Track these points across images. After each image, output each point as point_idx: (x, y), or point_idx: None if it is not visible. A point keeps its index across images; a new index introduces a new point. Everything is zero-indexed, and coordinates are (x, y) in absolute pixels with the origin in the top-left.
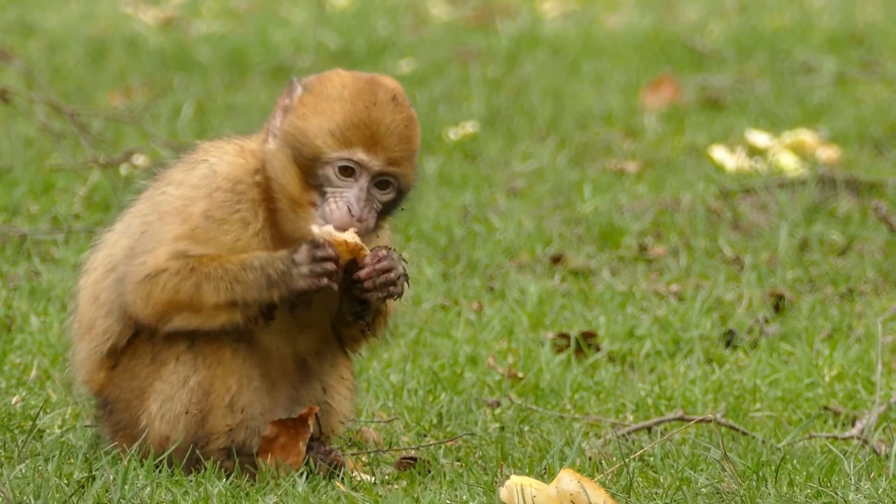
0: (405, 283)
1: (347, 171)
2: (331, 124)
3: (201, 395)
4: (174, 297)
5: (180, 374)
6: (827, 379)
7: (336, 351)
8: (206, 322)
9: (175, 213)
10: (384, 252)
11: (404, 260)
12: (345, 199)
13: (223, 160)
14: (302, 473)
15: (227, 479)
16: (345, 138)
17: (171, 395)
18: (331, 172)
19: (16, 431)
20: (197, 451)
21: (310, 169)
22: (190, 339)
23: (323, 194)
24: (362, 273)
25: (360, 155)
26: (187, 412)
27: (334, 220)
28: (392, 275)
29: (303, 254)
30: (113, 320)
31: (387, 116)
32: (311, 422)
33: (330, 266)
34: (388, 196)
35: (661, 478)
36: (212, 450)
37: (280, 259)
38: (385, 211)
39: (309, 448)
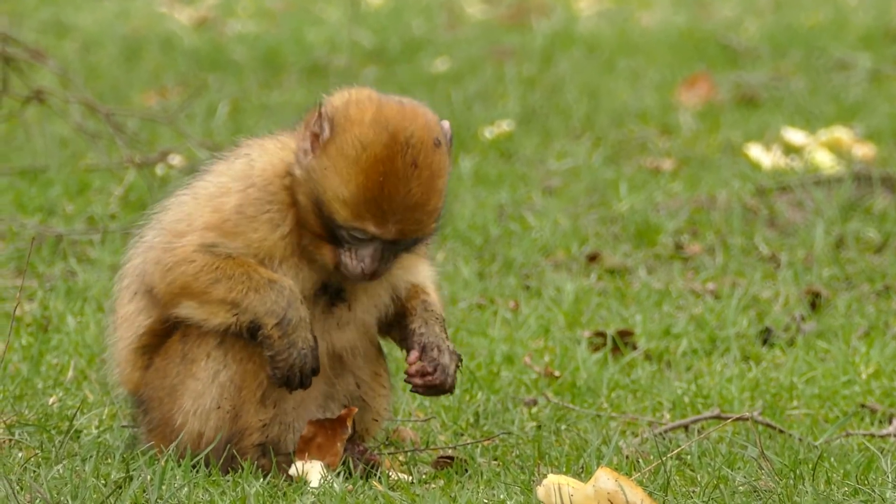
0: (456, 376)
1: (359, 235)
2: (344, 192)
3: (233, 390)
4: (191, 283)
5: (210, 370)
6: (864, 376)
7: (370, 346)
8: (206, 317)
9: (208, 199)
10: (434, 355)
11: (456, 355)
12: (359, 256)
13: (262, 157)
14: (339, 473)
15: (264, 478)
16: (356, 211)
17: (202, 391)
18: (344, 234)
19: (53, 432)
20: (233, 450)
21: (326, 221)
22: (220, 335)
23: (341, 239)
24: (410, 370)
25: (371, 228)
26: (219, 407)
27: (349, 273)
28: (438, 380)
29: (309, 365)
30: (140, 301)
31: (402, 188)
32: (349, 423)
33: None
34: (406, 247)
35: (699, 476)
36: (246, 446)
37: (305, 334)
38: (409, 250)
39: (344, 449)
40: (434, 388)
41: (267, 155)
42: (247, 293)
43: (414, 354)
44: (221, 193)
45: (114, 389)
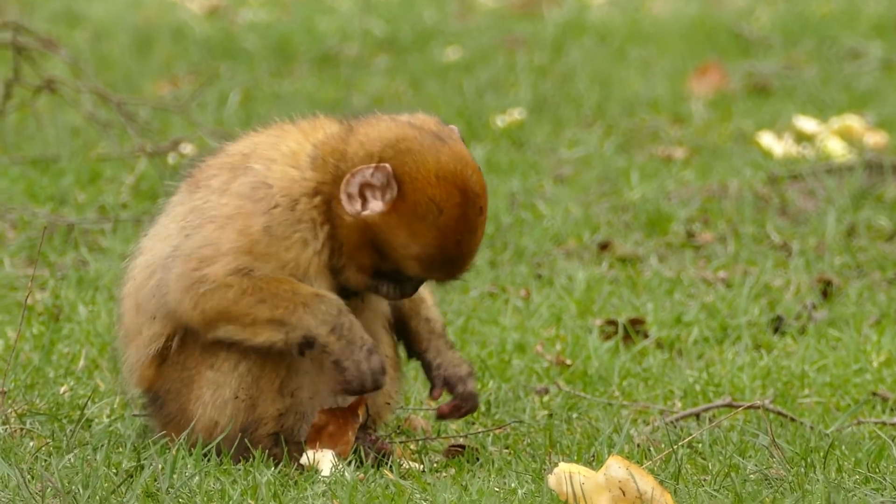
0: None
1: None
2: (418, 251)
3: (251, 380)
4: (231, 308)
5: (231, 360)
6: (875, 364)
7: (383, 332)
8: (249, 336)
9: (228, 221)
10: (461, 389)
11: (470, 366)
12: (402, 288)
13: (275, 173)
14: (350, 462)
15: (275, 467)
16: (430, 267)
17: (221, 381)
18: (402, 277)
19: (64, 421)
20: (246, 439)
21: (388, 267)
22: None
23: (392, 277)
24: (444, 410)
25: (440, 277)
26: (237, 397)
27: (382, 295)
28: (470, 408)
29: (377, 364)
30: (159, 325)
31: (474, 239)
32: (361, 412)
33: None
34: None
35: (710, 464)
36: (261, 435)
37: (361, 333)
38: None
39: (356, 437)
40: (466, 414)
41: (278, 169)
42: (295, 309)
43: (437, 392)
44: (243, 215)
45: (128, 390)
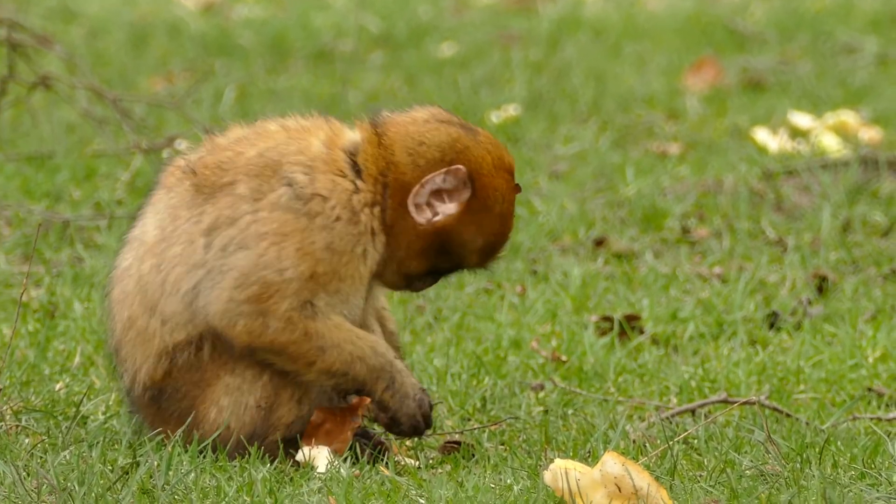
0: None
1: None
2: (483, 243)
3: (271, 389)
4: (293, 350)
5: (254, 368)
6: (871, 360)
7: (374, 322)
8: (295, 371)
9: (282, 236)
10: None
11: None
12: (431, 281)
13: (319, 179)
14: (346, 458)
15: (271, 464)
16: (489, 255)
17: (242, 388)
18: (451, 271)
19: (60, 418)
20: (255, 443)
21: (442, 261)
22: None
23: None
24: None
25: (491, 263)
26: (259, 406)
27: (410, 290)
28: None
29: (427, 406)
30: (183, 334)
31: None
32: (361, 412)
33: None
34: None
35: (705, 460)
36: (270, 441)
37: (410, 381)
38: None
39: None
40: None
41: (325, 178)
42: (352, 363)
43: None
44: (299, 231)
45: (127, 383)
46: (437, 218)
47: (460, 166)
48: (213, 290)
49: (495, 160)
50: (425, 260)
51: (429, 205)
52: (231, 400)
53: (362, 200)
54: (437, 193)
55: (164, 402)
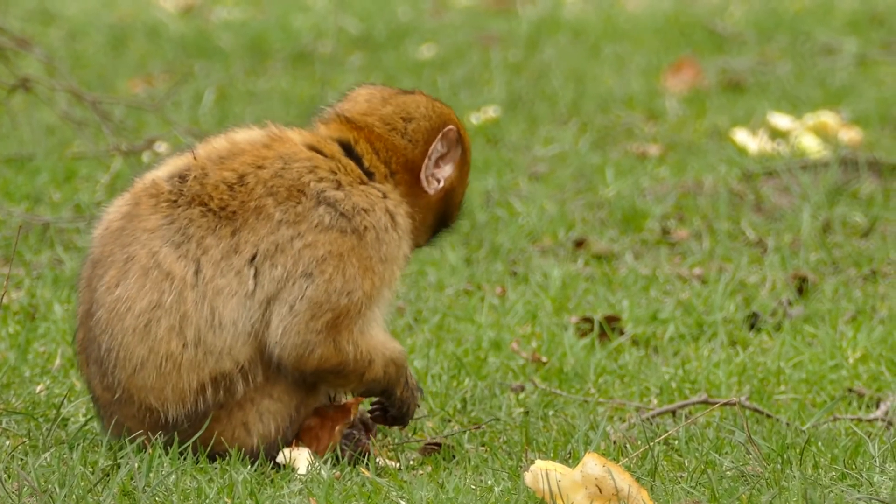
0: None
1: None
2: (462, 192)
3: (293, 408)
4: (347, 372)
5: (289, 393)
6: (851, 361)
7: None
8: (340, 385)
9: (337, 259)
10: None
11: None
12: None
13: (351, 192)
14: (326, 460)
15: (251, 465)
16: (460, 207)
17: (275, 411)
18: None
19: (40, 420)
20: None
21: (442, 224)
22: None
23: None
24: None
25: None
26: (288, 426)
27: None
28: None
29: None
30: (229, 363)
31: None
32: (354, 412)
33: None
34: None
35: (686, 461)
36: (273, 454)
37: (412, 375)
38: None
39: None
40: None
41: (356, 190)
42: (388, 366)
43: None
44: (353, 248)
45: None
46: (440, 184)
47: (451, 127)
48: (284, 323)
49: (452, 111)
50: (432, 229)
51: (431, 175)
52: (264, 423)
53: (393, 201)
54: (436, 161)
55: (187, 426)
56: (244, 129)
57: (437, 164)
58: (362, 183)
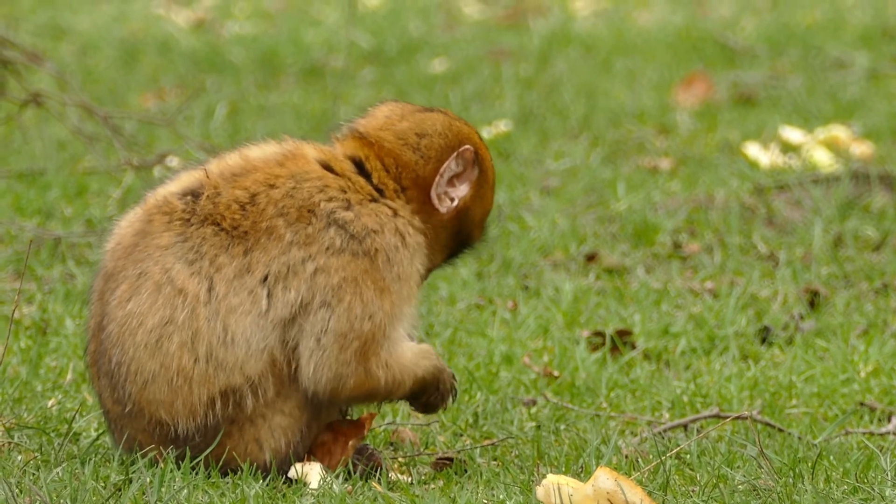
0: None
1: None
2: (483, 213)
3: (304, 423)
4: (376, 394)
5: (300, 409)
6: (863, 374)
7: None
8: (376, 402)
9: (353, 284)
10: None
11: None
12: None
13: (362, 212)
14: (338, 474)
15: (263, 480)
16: (484, 227)
17: (287, 427)
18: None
19: (52, 435)
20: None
21: (458, 244)
22: None
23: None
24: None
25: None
26: (299, 441)
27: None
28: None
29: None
30: (240, 378)
31: None
32: (368, 426)
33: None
34: None
35: (698, 475)
36: (285, 469)
37: (448, 373)
38: None
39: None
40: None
41: (366, 209)
42: (416, 380)
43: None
44: (366, 271)
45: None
46: (454, 203)
47: (468, 146)
48: (314, 360)
49: (479, 134)
50: (447, 248)
51: (444, 193)
52: (275, 438)
53: (403, 219)
54: (450, 179)
55: (199, 440)
56: (259, 145)
57: (450, 183)
58: (372, 200)
